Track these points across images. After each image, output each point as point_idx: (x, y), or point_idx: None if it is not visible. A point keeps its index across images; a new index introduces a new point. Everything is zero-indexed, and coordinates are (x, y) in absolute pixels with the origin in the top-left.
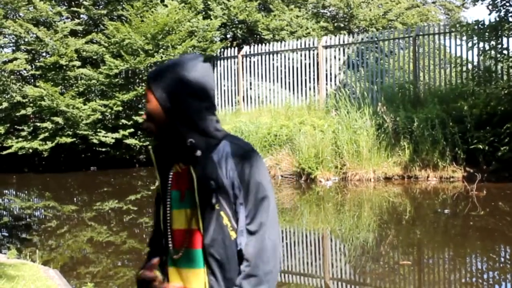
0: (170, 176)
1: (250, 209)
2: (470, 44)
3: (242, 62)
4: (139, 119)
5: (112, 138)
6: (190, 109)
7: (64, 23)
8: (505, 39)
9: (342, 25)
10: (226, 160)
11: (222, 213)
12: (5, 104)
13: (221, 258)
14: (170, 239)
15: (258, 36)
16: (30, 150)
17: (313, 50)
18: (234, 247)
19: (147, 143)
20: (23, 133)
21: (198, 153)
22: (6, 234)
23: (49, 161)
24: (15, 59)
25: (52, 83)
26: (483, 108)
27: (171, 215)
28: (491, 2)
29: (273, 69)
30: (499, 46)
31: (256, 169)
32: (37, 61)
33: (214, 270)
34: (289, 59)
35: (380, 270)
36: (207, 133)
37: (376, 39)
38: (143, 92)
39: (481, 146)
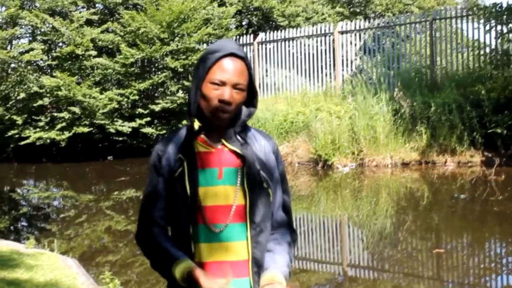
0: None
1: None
2: (487, 27)
3: (258, 49)
4: (156, 108)
5: (129, 127)
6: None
7: (80, 12)
8: None
9: (358, 10)
10: (259, 142)
11: (269, 190)
12: (22, 95)
13: (267, 230)
14: (201, 215)
15: (273, 23)
16: (48, 140)
17: (329, 36)
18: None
19: (164, 131)
20: (41, 124)
21: (252, 131)
22: (25, 224)
23: (66, 151)
24: (32, 49)
25: (68, 73)
26: (501, 92)
27: (197, 193)
28: None
29: (289, 56)
30: None
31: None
32: (53, 51)
33: (260, 242)
34: (305, 45)
35: (398, 256)
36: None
37: (392, 24)
38: (159, 81)
39: (499, 130)
